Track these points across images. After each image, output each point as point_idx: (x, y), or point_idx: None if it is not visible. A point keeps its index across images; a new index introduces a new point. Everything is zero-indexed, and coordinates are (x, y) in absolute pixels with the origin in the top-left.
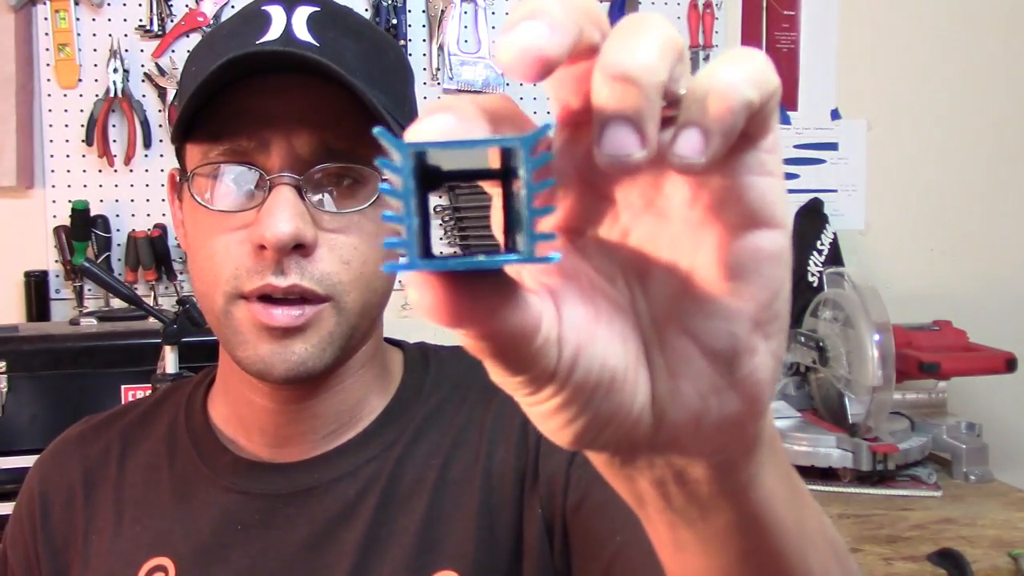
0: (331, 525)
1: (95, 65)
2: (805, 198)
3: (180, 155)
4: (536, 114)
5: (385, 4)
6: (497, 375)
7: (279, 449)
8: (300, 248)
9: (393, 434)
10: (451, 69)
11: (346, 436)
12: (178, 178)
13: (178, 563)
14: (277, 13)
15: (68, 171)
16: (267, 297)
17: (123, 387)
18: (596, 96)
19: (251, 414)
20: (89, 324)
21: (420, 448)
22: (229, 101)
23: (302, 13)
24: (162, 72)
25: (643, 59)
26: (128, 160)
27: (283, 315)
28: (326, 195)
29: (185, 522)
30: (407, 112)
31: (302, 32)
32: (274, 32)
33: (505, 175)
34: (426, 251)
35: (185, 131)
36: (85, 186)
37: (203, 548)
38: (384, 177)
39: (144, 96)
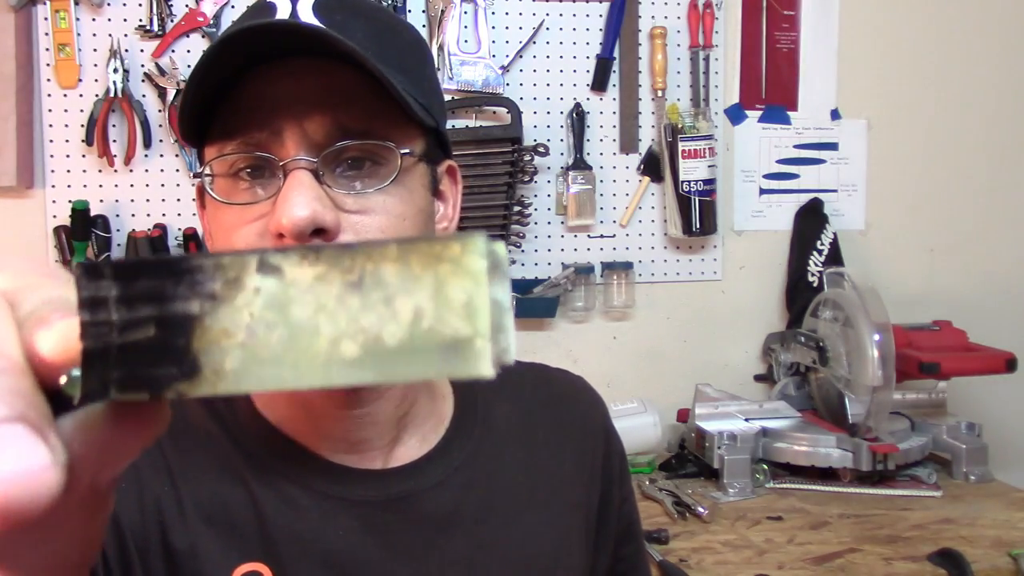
0: (433, 534)
1: (95, 65)
2: (805, 198)
3: (200, 159)
4: (536, 114)
5: (385, 4)
6: None
7: (358, 456)
8: (321, 234)
9: (471, 443)
10: (451, 69)
11: (417, 441)
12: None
13: (276, 569)
14: (282, 3)
15: (68, 171)
16: None
17: None
18: None
19: (312, 418)
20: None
21: (506, 462)
22: (239, 95)
23: (308, 0)
24: (162, 72)
25: None
26: (128, 160)
27: None
28: (345, 176)
29: (281, 527)
30: (426, 90)
31: (308, 17)
32: (279, 19)
33: None
34: None
35: (201, 133)
36: (85, 186)
37: (306, 554)
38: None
39: (144, 96)
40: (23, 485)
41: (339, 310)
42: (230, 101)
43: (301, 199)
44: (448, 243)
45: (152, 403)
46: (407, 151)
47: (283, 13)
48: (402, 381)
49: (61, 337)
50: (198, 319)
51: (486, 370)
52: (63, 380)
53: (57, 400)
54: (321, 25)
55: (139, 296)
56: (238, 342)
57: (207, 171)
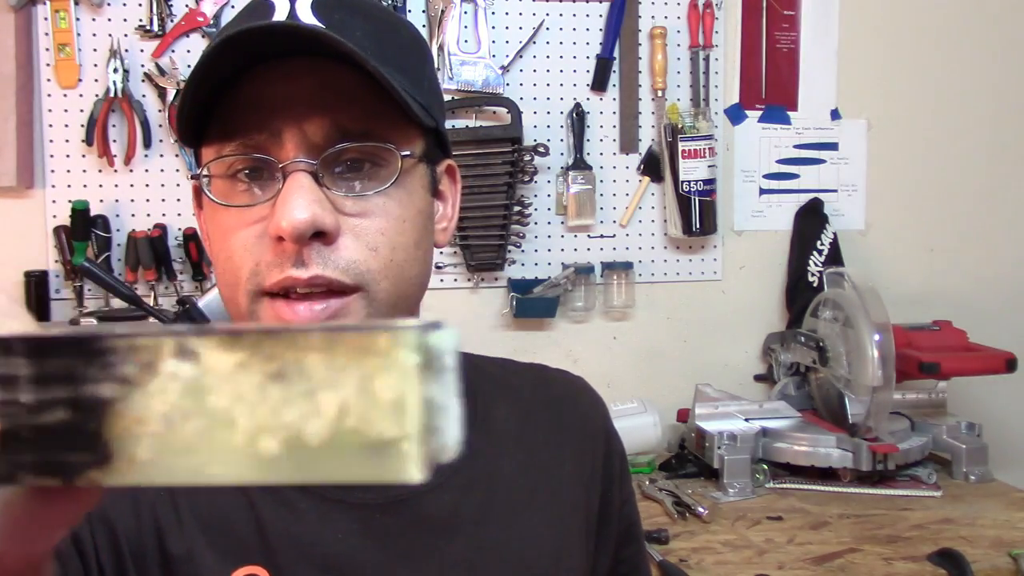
0: (432, 537)
1: (95, 65)
2: (805, 198)
3: (198, 160)
4: (536, 114)
5: (385, 4)
6: None
7: None
8: (321, 236)
9: (470, 444)
10: (451, 69)
11: None
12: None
13: (274, 572)
14: (280, 2)
15: (68, 171)
16: (291, 292)
17: None
18: None
19: None
20: (89, 324)
21: (506, 464)
22: (238, 96)
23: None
24: (162, 72)
25: None
26: (128, 160)
27: (305, 310)
28: (344, 178)
29: (279, 530)
30: (425, 91)
31: (306, 16)
32: (277, 19)
33: None
34: None
35: (198, 133)
36: (85, 186)
37: (305, 557)
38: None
39: (144, 96)
40: None
41: (259, 402)
42: (228, 102)
43: (301, 202)
44: (376, 335)
45: (65, 490)
46: (407, 153)
47: (281, 12)
48: (323, 482)
49: None
50: (110, 404)
51: (414, 474)
52: None
53: None
54: (320, 25)
55: (51, 376)
56: (151, 431)
57: (205, 172)
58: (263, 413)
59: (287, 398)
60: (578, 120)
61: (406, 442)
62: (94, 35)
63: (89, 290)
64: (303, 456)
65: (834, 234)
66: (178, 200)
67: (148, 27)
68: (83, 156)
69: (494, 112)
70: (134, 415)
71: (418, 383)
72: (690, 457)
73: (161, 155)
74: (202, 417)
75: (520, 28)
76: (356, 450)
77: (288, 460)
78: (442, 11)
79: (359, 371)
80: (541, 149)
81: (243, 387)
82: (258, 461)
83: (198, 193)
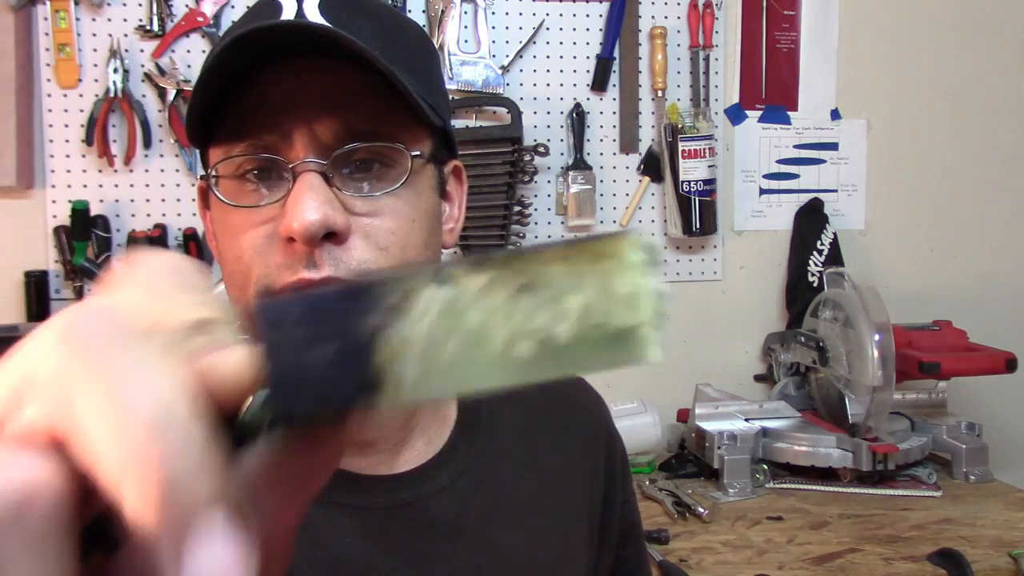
0: (439, 540)
1: (95, 65)
2: (805, 198)
3: (204, 160)
4: (536, 114)
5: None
6: None
7: (362, 460)
8: (332, 237)
9: (476, 447)
10: (451, 69)
11: (424, 443)
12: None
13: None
14: (288, 2)
15: (68, 171)
16: None
17: None
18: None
19: None
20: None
21: (511, 465)
22: (246, 95)
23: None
24: (162, 72)
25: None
26: (128, 160)
27: None
28: (354, 179)
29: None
30: (433, 91)
31: (314, 15)
32: (285, 18)
33: None
34: None
35: (206, 133)
36: (85, 186)
37: (314, 562)
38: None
39: (144, 96)
40: None
41: (512, 312)
42: (237, 102)
43: (312, 202)
44: (608, 242)
45: (337, 424)
46: (417, 153)
47: (289, 12)
48: (577, 374)
49: (241, 362)
50: (378, 331)
51: (655, 355)
52: (244, 410)
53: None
54: (328, 25)
55: (318, 314)
56: (418, 352)
57: (213, 173)
58: (516, 322)
59: (536, 306)
60: (578, 120)
61: (644, 327)
62: (94, 35)
63: (89, 290)
64: (556, 354)
65: (834, 234)
66: (178, 200)
67: (148, 27)
68: (83, 156)
69: (494, 112)
70: (400, 340)
71: (647, 277)
72: (690, 457)
73: (161, 155)
74: (462, 332)
75: (520, 28)
76: (602, 341)
77: (543, 359)
78: (442, 11)
79: (597, 273)
80: (541, 149)
81: (496, 301)
82: (516, 365)
83: (204, 193)
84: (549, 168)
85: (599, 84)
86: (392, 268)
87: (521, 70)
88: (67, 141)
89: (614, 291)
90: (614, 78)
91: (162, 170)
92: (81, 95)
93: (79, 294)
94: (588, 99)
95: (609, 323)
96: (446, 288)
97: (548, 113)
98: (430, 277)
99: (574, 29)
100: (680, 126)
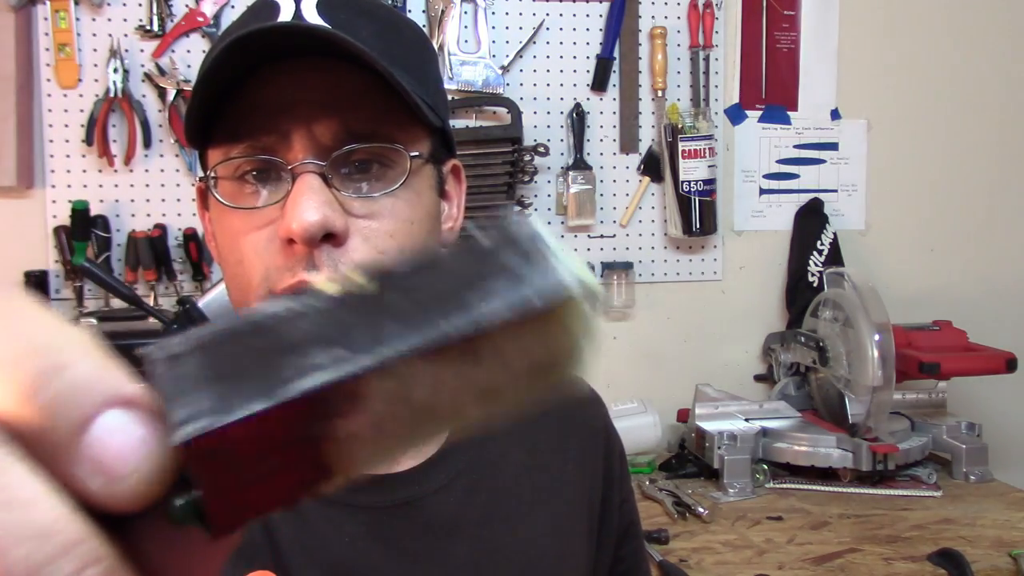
0: (438, 539)
1: (95, 65)
2: (805, 198)
3: (203, 162)
4: (536, 114)
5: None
6: None
7: None
8: (331, 238)
9: (474, 446)
10: (451, 69)
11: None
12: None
13: (282, 575)
14: (286, 2)
15: (68, 171)
16: None
17: None
18: None
19: None
20: (89, 324)
21: (509, 464)
22: (244, 96)
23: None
24: (162, 72)
25: None
26: (128, 160)
27: None
28: (353, 180)
29: (287, 534)
30: (431, 91)
31: (312, 16)
32: (283, 19)
33: None
34: None
35: (205, 135)
36: (85, 186)
37: (313, 561)
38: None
39: (144, 96)
40: None
41: (459, 384)
42: (235, 104)
43: (311, 203)
44: (552, 316)
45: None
46: (416, 154)
47: (287, 13)
48: (513, 411)
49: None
50: (324, 436)
51: (584, 382)
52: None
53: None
54: (327, 25)
55: (264, 433)
56: (363, 439)
57: (212, 174)
58: (463, 390)
59: (484, 373)
60: (578, 120)
61: (580, 364)
62: (94, 35)
63: (89, 290)
64: (494, 403)
65: (834, 234)
66: (178, 200)
67: (148, 27)
68: (83, 156)
69: (494, 112)
70: (346, 435)
71: (590, 334)
72: (690, 457)
73: (161, 155)
74: (408, 412)
75: (520, 28)
76: (546, 381)
77: (485, 413)
78: (442, 11)
79: (543, 339)
80: (541, 149)
81: (444, 377)
82: (455, 420)
83: (203, 195)
84: (549, 168)
85: (599, 84)
86: (339, 362)
87: (521, 70)
88: (67, 141)
89: (559, 351)
90: (614, 78)
91: (162, 170)
92: (81, 95)
93: (79, 294)
94: (588, 99)
95: (551, 376)
96: (391, 381)
97: (548, 113)
98: (377, 364)
99: (574, 29)
100: (680, 126)
